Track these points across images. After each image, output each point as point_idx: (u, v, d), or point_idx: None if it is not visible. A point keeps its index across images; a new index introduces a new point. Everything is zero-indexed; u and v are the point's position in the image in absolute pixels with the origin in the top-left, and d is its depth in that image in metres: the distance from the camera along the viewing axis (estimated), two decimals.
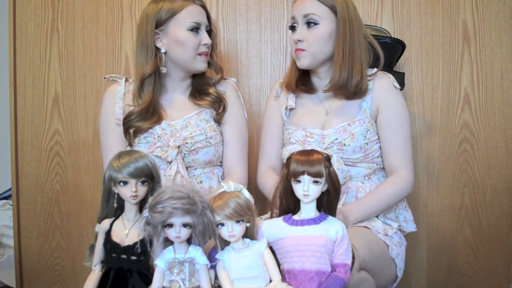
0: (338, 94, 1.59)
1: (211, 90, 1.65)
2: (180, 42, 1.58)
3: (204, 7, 1.63)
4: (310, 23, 1.54)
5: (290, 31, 1.60)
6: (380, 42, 1.66)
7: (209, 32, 1.64)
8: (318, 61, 1.57)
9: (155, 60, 1.59)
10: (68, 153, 2.08)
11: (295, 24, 1.58)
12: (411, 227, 1.62)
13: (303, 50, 1.55)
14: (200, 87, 1.66)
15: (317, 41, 1.54)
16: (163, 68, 1.60)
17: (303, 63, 1.57)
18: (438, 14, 1.97)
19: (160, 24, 1.58)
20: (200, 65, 1.61)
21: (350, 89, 1.55)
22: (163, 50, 1.59)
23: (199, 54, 1.60)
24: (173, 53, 1.59)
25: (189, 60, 1.60)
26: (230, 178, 1.59)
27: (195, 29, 1.58)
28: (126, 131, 1.58)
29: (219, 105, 1.64)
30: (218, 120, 1.65)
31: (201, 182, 1.60)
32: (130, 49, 2.01)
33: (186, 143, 1.57)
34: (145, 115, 1.58)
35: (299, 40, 1.55)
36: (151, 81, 1.60)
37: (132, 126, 1.57)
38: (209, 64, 1.65)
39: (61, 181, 2.09)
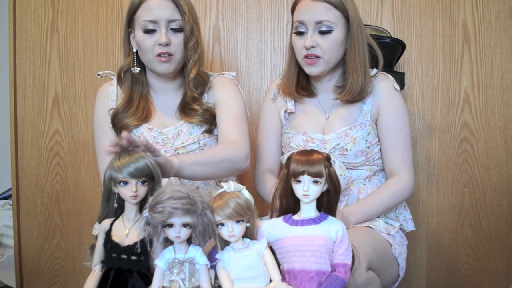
0: (348, 101, 1.55)
1: (196, 107, 1.52)
2: (138, 43, 1.48)
3: None
4: (322, 28, 1.47)
5: (294, 35, 1.52)
6: (380, 42, 1.65)
7: (178, 28, 1.46)
8: (329, 67, 1.53)
9: (129, 59, 1.53)
10: (68, 153, 2.08)
11: (302, 30, 1.50)
12: (410, 226, 1.63)
13: (317, 57, 1.49)
14: (187, 99, 1.53)
15: (332, 48, 1.49)
16: (135, 68, 1.51)
17: (316, 71, 1.52)
18: (438, 14, 1.97)
19: (129, 22, 1.51)
20: (159, 67, 1.47)
21: (364, 95, 1.53)
22: (134, 50, 1.51)
23: (157, 56, 1.45)
24: (139, 54, 1.51)
25: (148, 62, 1.49)
26: (226, 144, 1.46)
27: (148, 28, 1.45)
28: (116, 132, 1.53)
29: (207, 119, 1.52)
30: (210, 132, 1.55)
31: (197, 188, 1.54)
32: None
33: (178, 153, 1.50)
34: (128, 111, 1.51)
35: (312, 47, 1.48)
36: (128, 77, 1.54)
37: (119, 124, 1.51)
38: (186, 65, 1.51)
39: (61, 181, 2.09)
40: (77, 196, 2.09)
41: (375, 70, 1.59)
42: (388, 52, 1.75)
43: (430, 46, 1.98)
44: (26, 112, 2.08)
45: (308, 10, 1.49)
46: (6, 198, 2.63)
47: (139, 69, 1.53)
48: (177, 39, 1.47)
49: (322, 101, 1.61)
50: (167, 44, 1.45)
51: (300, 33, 1.51)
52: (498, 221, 1.98)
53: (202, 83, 1.55)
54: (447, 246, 2.01)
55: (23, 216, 2.10)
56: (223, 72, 1.67)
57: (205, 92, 1.58)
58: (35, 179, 2.09)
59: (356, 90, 1.51)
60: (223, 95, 1.56)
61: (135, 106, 1.53)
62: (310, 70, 1.52)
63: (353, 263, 1.11)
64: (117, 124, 1.52)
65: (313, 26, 1.48)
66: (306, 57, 1.50)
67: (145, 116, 1.53)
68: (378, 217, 1.54)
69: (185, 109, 1.54)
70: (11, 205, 2.30)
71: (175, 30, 1.47)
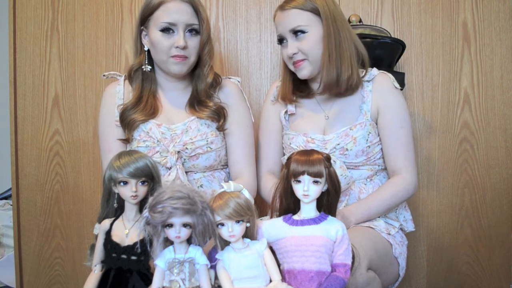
0: (332, 94, 1.57)
1: (210, 104, 1.57)
2: (153, 43, 1.51)
3: (191, 3, 1.51)
4: (297, 33, 1.51)
5: (280, 48, 1.58)
6: (380, 42, 1.66)
7: (195, 32, 1.51)
8: (318, 66, 1.55)
9: (141, 57, 1.57)
10: (68, 153, 2.08)
11: (283, 41, 1.56)
12: (410, 226, 1.63)
13: (302, 60, 1.53)
14: (199, 96, 1.58)
15: (312, 48, 1.52)
16: (146, 66, 1.55)
17: (305, 73, 1.55)
18: (438, 14, 1.97)
19: (143, 21, 1.54)
20: (174, 68, 1.51)
21: (342, 86, 1.54)
22: (145, 48, 1.55)
23: (172, 57, 1.49)
24: (152, 53, 1.55)
25: (162, 62, 1.52)
26: (239, 182, 1.53)
27: (167, 30, 1.48)
28: (124, 128, 1.56)
29: (219, 117, 1.57)
30: (221, 129, 1.59)
31: (201, 185, 1.57)
32: (130, 49, 2.01)
33: (186, 148, 1.53)
34: (137, 107, 1.54)
35: (294, 53, 1.53)
36: (139, 75, 1.58)
37: (127, 120, 1.54)
38: (198, 65, 1.57)
39: (61, 181, 2.09)
40: (77, 196, 2.09)
41: (375, 69, 1.59)
42: (388, 52, 1.75)
43: (430, 46, 1.98)
44: (26, 112, 2.08)
45: (281, 21, 1.54)
46: (6, 198, 2.63)
47: (150, 67, 1.56)
48: (193, 43, 1.51)
49: (321, 101, 1.62)
50: (184, 47, 1.49)
51: (283, 45, 1.56)
52: (498, 221, 1.98)
53: (217, 84, 1.61)
54: (447, 246, 2.01)
55: (23, 216, 2.10)
56: (229, 76, 1.70)
57: (216, 92, 1.62)
58: (35, 179, 2.09)
59: (328, 82, 1.52)
60: (234, 115, 1.60)
61: (144, 103, 1.56)
62: (300, 73, 1.56)
63: (353, 263, 1.11)
64: (125, 120, 1.55)
65: (290, 35, 1.53)
66: (294, 63, 1.55)
67: (152, 112, 1.56)
68: (379, 217, 1.54)
69: (196, 103, 1.58)
70: (11, 205, 2.30)
71: (192, 34, 1.51)
